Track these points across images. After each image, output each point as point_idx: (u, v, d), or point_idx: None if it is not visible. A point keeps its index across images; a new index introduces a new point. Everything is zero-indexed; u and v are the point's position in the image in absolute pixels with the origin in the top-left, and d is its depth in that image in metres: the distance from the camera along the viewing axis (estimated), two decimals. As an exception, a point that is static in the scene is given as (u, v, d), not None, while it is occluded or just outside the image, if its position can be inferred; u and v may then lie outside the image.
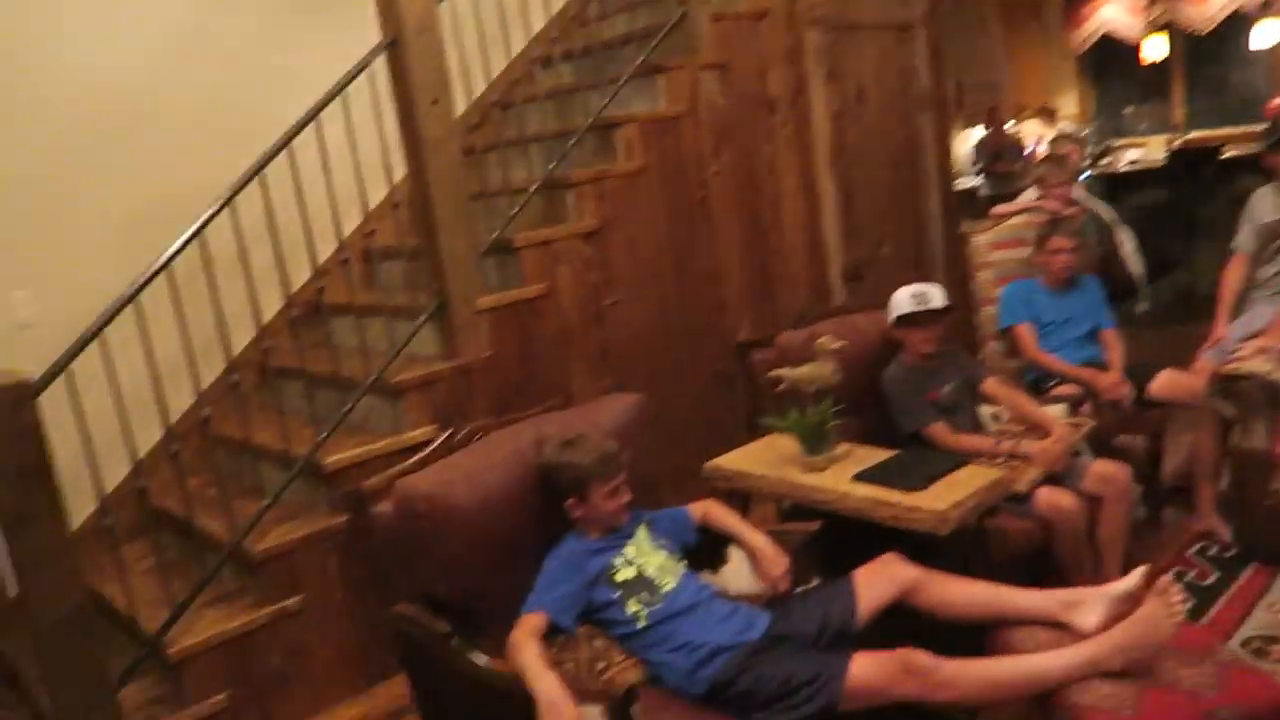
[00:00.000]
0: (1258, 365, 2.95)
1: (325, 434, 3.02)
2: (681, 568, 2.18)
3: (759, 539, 2.27)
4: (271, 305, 3.34)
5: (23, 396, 2.32)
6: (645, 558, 2.15)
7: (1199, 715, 1.74)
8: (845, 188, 4.54)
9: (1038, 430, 2.80)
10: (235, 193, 2.88)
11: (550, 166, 3.58)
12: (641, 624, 2.05)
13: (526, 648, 1.89)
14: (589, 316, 3.57)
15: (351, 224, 3.39)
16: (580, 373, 3.56)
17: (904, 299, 2.86)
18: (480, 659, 1.91)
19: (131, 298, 2.68)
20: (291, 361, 3.18)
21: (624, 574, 2.10)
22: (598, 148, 3.82)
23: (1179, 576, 2.98)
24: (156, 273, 2.72)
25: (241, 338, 3.35)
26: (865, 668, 1.83)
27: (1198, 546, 3.17)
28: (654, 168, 3.77)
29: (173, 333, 2.83)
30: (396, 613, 2.04)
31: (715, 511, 2.37)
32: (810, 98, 4.37)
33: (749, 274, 4.14)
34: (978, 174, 7.60)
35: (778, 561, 2.22)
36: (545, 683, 1.79)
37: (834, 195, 4.49)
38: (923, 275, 4.87)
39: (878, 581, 2.12)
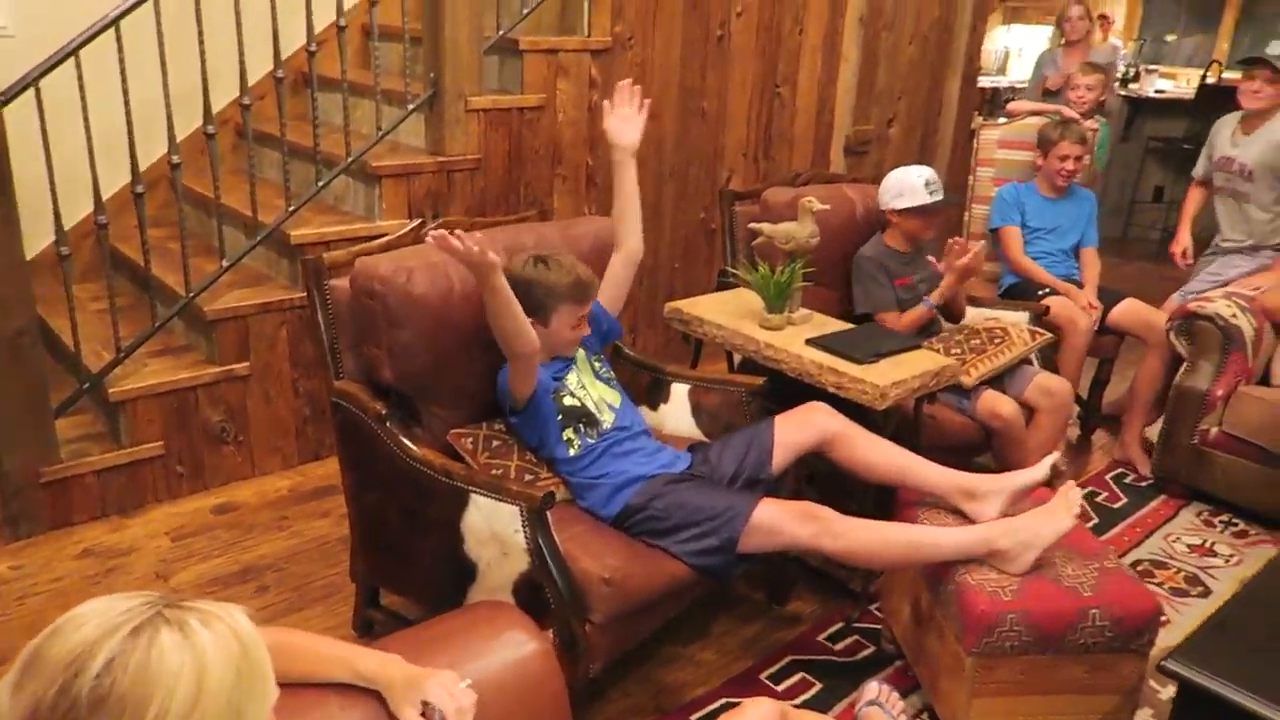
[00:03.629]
0: (1221, 308, 2.98)
1: (295, 206, 2.98)
2: (619, 398, 2.23)
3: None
4: (260, 67, 3.21)
5: (-13, 102, 2.26)
6: (586, 389, 2.17)
7: (1073, 610, 1.85)
8: (869, 56, 4.39)
9: (995, 335, 2.84)
10: (234, -67, 2.72)
11: (571, -28, 3.41)
12: (573, 451, 2.10)
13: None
14: (582, 138, 3.49)
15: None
16: (564, 194, 3.51)
17: (918, 185, 2.80)
18: (413, 447, 1.97)
19: (114, 21, 2.56)
20: (272, 128, 3.10)
21: (570, 400, 2.13)
22: (625, -39, 3.63)
23: (1090, 497, 3.11)
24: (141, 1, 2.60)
25: (223, 94, 3.24)
26: (769, 508, 1.91)
27: (1116, 472, 3.30)
28: (679, -6, 3.61)
29: (153, 73, 2.72)
30: (337, 388, 2.08)
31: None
32: (854, -50, 4.17)
33: (753, 127, 4.04)
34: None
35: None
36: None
37: (855, 61, 4.35)
38: (925, 163, 4.80)
39: (798, 427, 2.17)
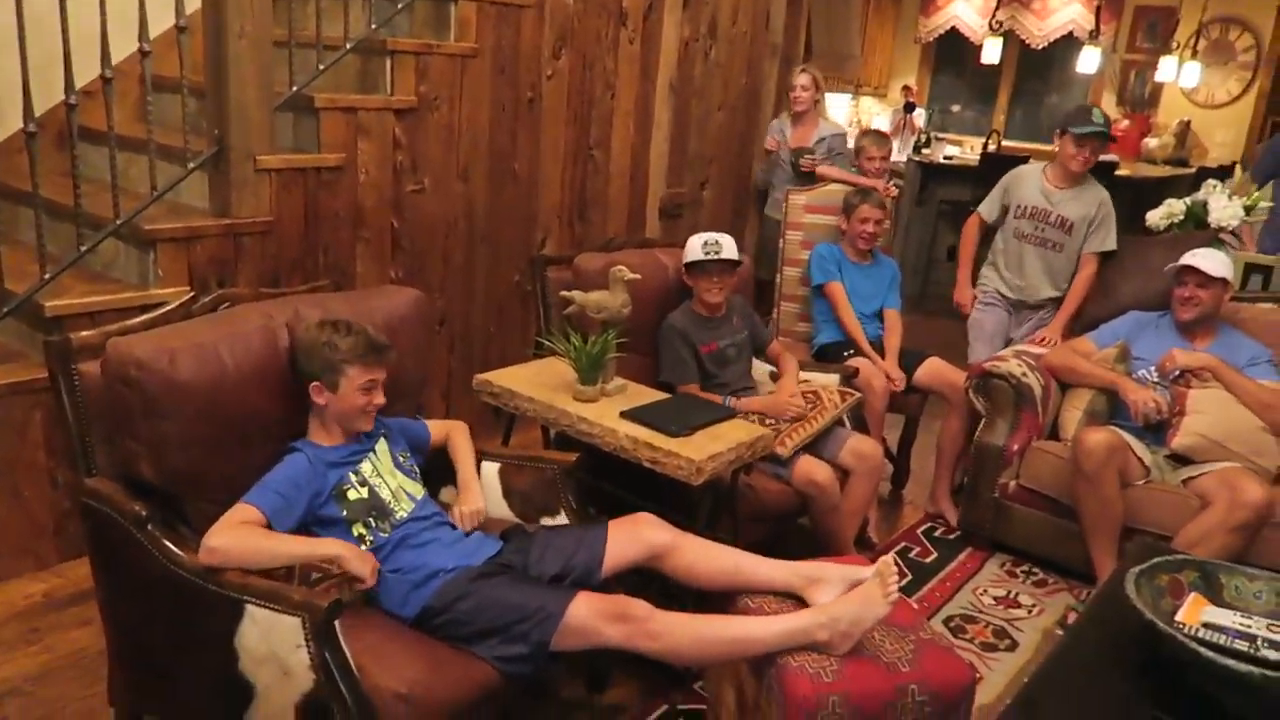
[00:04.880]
0: (1013, 367, 3.14)
1: (52, 274, 2.64)
2: (420, 490, 2.06)
3: (471, 483, 2.18)
4: (9, 124, 2.87)
5: None
6: (382, 478, 2.00)
7: (892, 687, 1.83)
8: (680, 120, 4.46)
9: (809, 400, 2.86)
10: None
11: (372, 27, 3.25)
12: (364, 547, 1.92)
13: (265, 532, 1.78)
14: (386, 200, 3.32)
15: (125, 49, 2.95)
16: (367, 259, 3.31)
17: (696, 246, 2.82)
18: (179, 552, 1.73)
19: None
20: (26, 185, 2.75)
21: (355, 494, 1.94)
22: (430, 19, 3.51)
23: (904, 553, 3.18)
24: None
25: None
26: (582, 608, 1.78)
27: (926, 527, 3.40)
28: (486, 54, 3.53)
29: None
30: (88, 487, 1.81)
31: (456, 439, 2.27)
32: (664, 18, 4.22)
33: (566, 190, 3.99)
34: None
35: (470, 511, 2.12)
36: (329, 545, 1.80)
37: (668, 126, 4.40)
38: (739, 224, 4.90)
39: (629, 539, 2.04)
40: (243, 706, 1.71)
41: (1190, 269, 3.00)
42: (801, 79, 4.39)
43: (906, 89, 8.86)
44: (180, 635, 1.79)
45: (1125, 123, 8.17)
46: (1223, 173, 5.54)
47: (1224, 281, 3.00)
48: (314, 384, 1.94)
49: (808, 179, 4.22)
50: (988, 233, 3.81)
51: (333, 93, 3.18)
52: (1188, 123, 7.95)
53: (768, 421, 2.68)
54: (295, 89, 3.06)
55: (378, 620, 1.85)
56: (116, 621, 1.91)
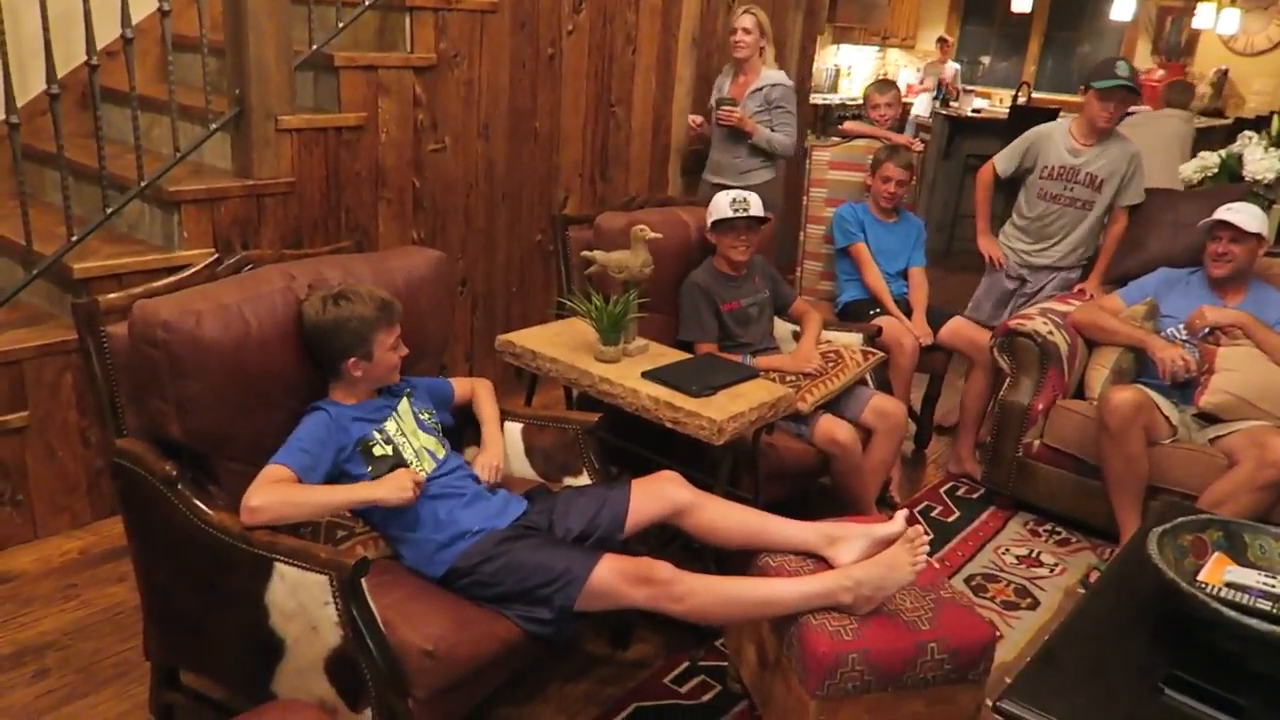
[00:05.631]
0: (1039, 325, 3.11)
1: (79, 236, 2.67)
2: (444, 449, 2.08)
3: (494, 438, 2.21)
4: (32, 86, 2.87)
5: None
6: (406, 437, 2.02)
7: (911, 646, 1.84)
8: (703, 75, 4.39)
9: (830, 359, 2.84)
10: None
11: (391, -17, 3.22)
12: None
13: (302, 486, 1.81)
14: (407, 160, 3.31)
15: (145, 8, 2.96)
16: (389, 219, 3.31)
17: (723, 203, 2.79)
18: (209, 511, 1.76)
19: None
20: (50, 147, 2.77)
21: (380, 449, 1.96)
22: (449, -26, 3.47)
23: (926, 512, 3.18)
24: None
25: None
26: (606, 571, 1.79)
27: (949, 486, 3.39)
28: (506, 9, 3.49)
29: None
30: (119, 447, 1.84)
31: (480, 394, 2.29)
32: (685, -29, 4.15)
33: (588, 147, 3.96)
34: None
35: (488, 464, 2.14)
36: (365, 488, 1.86)
37: (689, 81, 4.34)
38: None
39: (651, 496, 2.06)
40: (274, 661, 1.75)
41: (1224, 223, 2.94)
42: (744, 20, 3.81)
43: (942, 41, 8.62)
44: (211, 592, 1.83)
45: (1160, 72, 7.97)
46: (1260, 123, 5.40)
47: (1258, 237, 2.93)
48: (349, 360, 1.95)
49: (737, 135, 3.85)
50: (999, 186, 3.73)
51: (352, 51, 3.17)
52: (1225, 71, 7.74)
53: (788, 379, 2.68)
54: (315, 47, 3.04)
55: (404, 578, 1.88)
56: (149, 578, 1.95)
